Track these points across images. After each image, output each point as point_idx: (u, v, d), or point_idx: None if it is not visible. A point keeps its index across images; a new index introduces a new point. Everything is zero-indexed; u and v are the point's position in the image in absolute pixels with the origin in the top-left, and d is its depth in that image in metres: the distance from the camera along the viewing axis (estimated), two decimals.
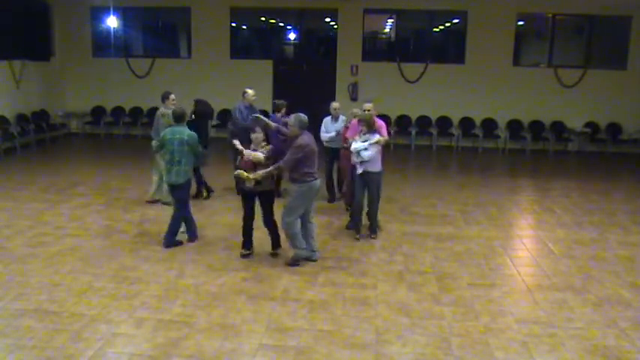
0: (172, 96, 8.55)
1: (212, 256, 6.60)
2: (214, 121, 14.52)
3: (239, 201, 8.85)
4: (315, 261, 6.45)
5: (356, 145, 7.02)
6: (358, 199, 7.28)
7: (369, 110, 7.48)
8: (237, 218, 7.82)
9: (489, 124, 14.47)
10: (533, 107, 14.37)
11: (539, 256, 6.95)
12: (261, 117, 7.32)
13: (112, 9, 14.10)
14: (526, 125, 14.45)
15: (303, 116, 6.23)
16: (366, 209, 7.43)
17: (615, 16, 14.01)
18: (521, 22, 14.56)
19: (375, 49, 15.68)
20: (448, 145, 14.65)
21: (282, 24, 16.23)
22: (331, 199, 9.00)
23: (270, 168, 6.18)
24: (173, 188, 6.86)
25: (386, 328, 4.97)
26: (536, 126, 14.41)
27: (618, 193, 10.46)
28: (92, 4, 14.82)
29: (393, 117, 14.26)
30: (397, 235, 7.49)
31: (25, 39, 13.09)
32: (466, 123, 14.51)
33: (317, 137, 6.57)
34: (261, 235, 6.77)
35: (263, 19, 15.67)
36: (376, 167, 7.17)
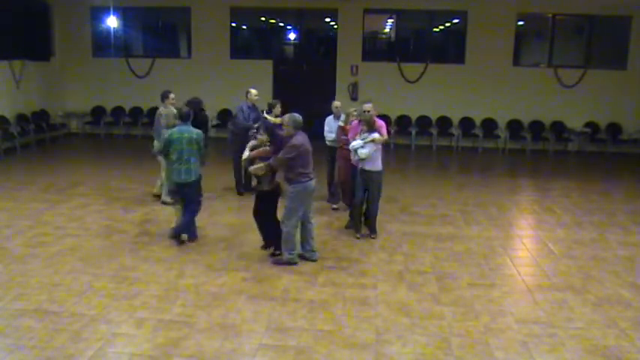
0: (172, 95, 8.54)
1: (212, 256, 6.60)
2: (214, 121, 14.54)
3: (239, 201, 8.97)
4: (315, 261, 6.45)
5: (354, 143, 7.04)
6: (358, 199, 7.29)
7: (368, 111, 7.48)
8: (237, 218, 7.85)
9: (489, 124, 14.46)
10: (533, 107, 14.37)
11: (539, 256, 6.95)
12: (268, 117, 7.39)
13: (112, 9, 14.09)
14: (526, 125, 14.45)
15: (298, 116, 6.23)
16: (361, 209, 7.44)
17: (615, 16, 14.01)
18: (521, 22, 14.55)
19: (375, 49, 15.68)
20: (448, 145, 14.65)
21: (282, 24, 16.23)
22: (331, 198, 9.01)
23: (262, 164, 6.26)
24: (183, 187, 6.85)
25: (386, 328, 4.97)
26: (536, 126, 14.40)
27: (618, 193, 10.46)
28: (92, 4, 14.81)
29: (393, 117, 14.26)
30: (397, 235, 7.49)
31: (25, 39, 13.09)
32: (466, 123, 14.50)
33: (312, 137, 6.55)
34: (260, 236, 6.77)
35: (263, 19, 15.67)
36: (377, 166, 7.17)
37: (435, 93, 14.52)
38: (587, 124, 14.24)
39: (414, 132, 14.48)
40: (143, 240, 7.07)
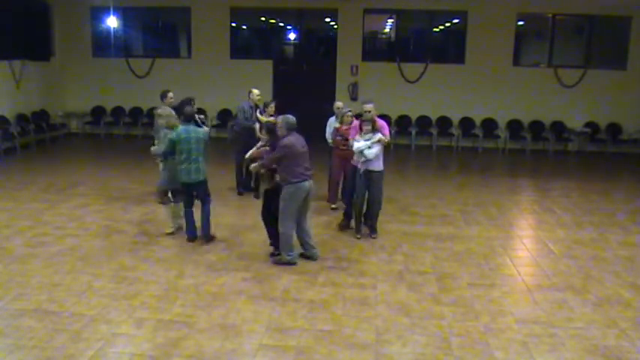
0: (170, 94, 8.57)
1: (212, 256, 6.60)
2: (214, 121, 14.54)
3: (239, 201, 8.97)
4: (316, 259, 6.46)
5: (359, 144, 7.02)
6: (358, 199, 7.29)
7: (369, 111, 7.48)
8: (237, 218, 7.84)
9: (489, 124, 14.47)
10: (533, 107, 14.37)
11: (539, 256, 6.95)
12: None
13: (112, 9, 14.09)
14: (526, 125, 14.45)
15: (291, 117, 6.29)
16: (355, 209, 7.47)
17: (615, 16, 14.01)
18: (521, 22, 14.55)
19: (375, 49, 15.67)
20: (448, 145, 14.65)
21: (282, 24, 16.23)
22: (332, 198, 9.01)
23: (255, 164, 6.39)
24: (193, 186, 6.90)
25: (386, 328, 4.97)
26: (536, 126, 14.41)
27: (618, 193, 10.46)
28: (92, 4, 14.81)
29: (393, 117, 14.26)
30: (397, 235, 7.49)
31: (25, 39, 13.09)
32: (466, 123, 14.51)
33: (313, 138, 6.59)
34: (260, 236, 6.77)
35: (263, 19, 15.67)
36: (379, 167, 7.18)
37: (435, 93, 14.52)
38: (587, 124, 14.25)
39: (414, 132, 14.48)
40: (143, 240, 7.07)
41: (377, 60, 14.92)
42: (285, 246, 6.31)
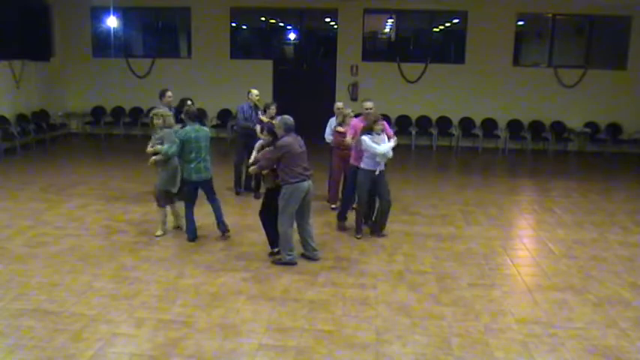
0: (169, 93, 8.60)
1: (212, 256, 6.60)
2: (214, 121, 14.55)
3: (239, 201, 8.97)
4: (316, 260, 6.46)
5: (386, 147, 6.99)
6: (364, 200, 7.28)
7: (368, 109, 7.50)
8: (237, 218, 7.84)
9: (489, 124, 14.46)
10: (533, 107, 14.37)
11: (539, 256, 6.95)
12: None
13: (112, 9, 14.08)
14: (526, 125, 14.44)
15: (289, 118, 6.31)
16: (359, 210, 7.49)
17: (615, 16, 14.01)
18: (521, 22, 14.55)
19: (375, 49, 15.67)
20: (448, 145, 14.65)
21: (282, 24, 16.24)
22: (333, 198, 9.03)
23: (254, 167, 6.43)
24: (202, 184, 6.97)
25: (386, 328, 4.97)
26: (536, 126, 14.40)
27: (618, 193, 10.47)
28: (92, 4, 14.81)
29: (393, 117, 14.26)
30: (397, 235, 7.49)
31: (25, 39, 13.09)
32: (466, 123, 14.51)
33: (309, 138, 6.60)
34: (261, 236, 6.77)
35: (263, 19, 15.67)
36: (383, 167, 7.22)
37: (435, 93, 14.52)
38: (587, 124, 14.24)
39: (414, 132, 14.48)
40: (143, 240, 7.07)
41: (377, 60, 14.91)
42: (285, 245, 6.32)
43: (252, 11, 15.25)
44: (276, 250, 6.54)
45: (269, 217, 6.53)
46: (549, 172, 12.30)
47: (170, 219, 7.40)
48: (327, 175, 8.91)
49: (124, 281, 5.82)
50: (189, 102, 8.38)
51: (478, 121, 14.51)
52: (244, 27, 16.10)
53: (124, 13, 15.11)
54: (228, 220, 7.50)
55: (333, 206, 8.58)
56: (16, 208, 8.31)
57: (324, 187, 8.89)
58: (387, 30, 15.81)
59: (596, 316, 5.30)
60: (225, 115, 14.68)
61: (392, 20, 15.34)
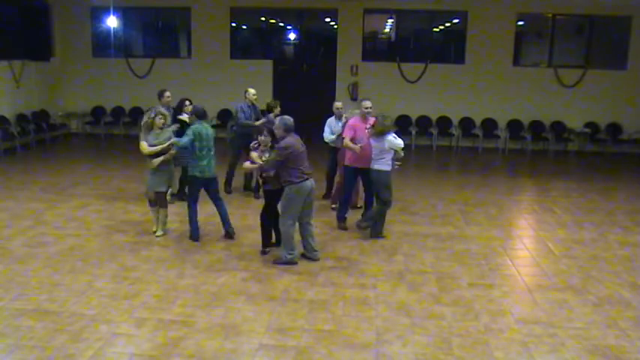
0: (167, 93, 8.66)
1: (212, 256, 6.60)
2: (214, 122, 14.54)
3: (239, 201, 8.96)
4: (316, 260, 6.46)
5: (399, 140, 7.07)
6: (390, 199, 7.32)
7: (367, 108, 7.48)
8: (237, 218, 7.83)
9: (489, 124, 14.46)
10: (533, 107, 14.36)
11: (539, 256, 6.95)
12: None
13: (112, 9, 14.08)
14: (526, 125, 14.44)
15: (288, 118, 6.31)
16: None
17: (615, 16, 14.01)
18: (521, 22, 14.55)
19: (375, 49, 15.67)
20: (448, 145, 14.65)
21: (282, 24, 16.23)
22: (327, 194, 9.06)
23: (255, 165, 6.42)
24: (211, 181, 7.05)
25: (386, 328, 4.97)
26: (536, 126, 14.40)
27: (618, 193, 10.46)
28: (92, 4, 14.80)
29: (393, 117, 14.24)
30: (397, 235, 7.49)
31: (25, 39, 13.09)
32: (466, 123, 14.50)
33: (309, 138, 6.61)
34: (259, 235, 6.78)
35: (263, 19, 15.67)
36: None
37: (435, 93, 14.51)
38: (587, 124, 14.24)
39: (414, 132, 14.48)
40: (143, 240, 7.07)
41: (377, 60, 14.91)
42: (286, 245, 6.32)
43: (252, 11, 15.25)
44: (268, 250, 6.57)
45: (269, 218, 6.54)
46: (549, 172, 12.30)
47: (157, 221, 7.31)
48: (327, 171, 8.93)
49: (124, 281, 5.82)
50: (187, 102, 8.40)
51: (478, 121, 14.51)
52: (244, 27, 16.09)
53: (124, 13, 15.10)
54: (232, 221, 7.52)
55: (334, 206, 8.58)
56: (16, 208, 8.31)
57: (322, 187, 8.90)
58: (387, 30, 15.81)
59: (596, 316, 5.30)
60: (225, 115, 14.67)
61: (392, 20, 15.34)
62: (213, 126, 13.98)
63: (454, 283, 5.99)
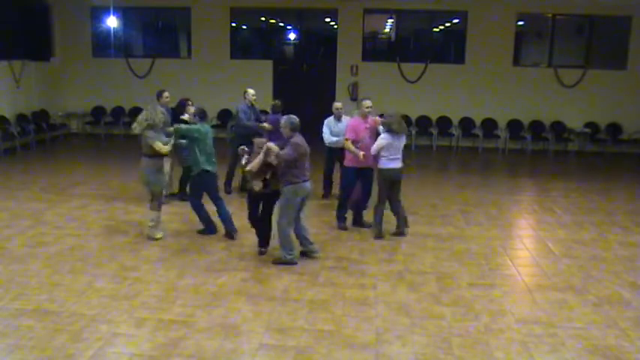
0: (166, 94, 8.69)
1: (212, 256, 6.60)
2: (214, 122, 14.53)
3: (239, 201, 8.95)
4: (314, 253, 6.51)
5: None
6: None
7: (368, 107, 7.49)
8: (237, 218, 7.83)
9: (489, 124, 14.46)
10: (533, 107, 14.37)
11: (539, 256, 6.94)
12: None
13: (112, 9, 14.09)
14: (526, 125, 14.45)
15: (295, 118, 6.30)
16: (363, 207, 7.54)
17: (615, 16, 14.02)
18: (521, 22, 14.56)
19: (375, 49, 15.68)
20: (448, 145, 14.65)
21: (282, 24, 16.23)
22: (325, 194, 9.07)
23: (261, 155, 6.24)
24: (213, 177, 7.16)
25: (386, 328, 4.97)
26: (536, 126, 14.41)
27: (618, 193, 10.46)
28: (92, 4, 14.81)
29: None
30: (397, 235, 7.48)
31: (25, 39, 13.09)
32: (466, 123, 14.51)
33: (309, 138, 6.60)
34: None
35: (263, 19, 15.68)
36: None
37: (435, 93, 14.52)
38: (587, 124, 14.25)
39: (414, 132, 14.47)
40: (143, 240, 7.06)
41: (377, 60, 14.92)
42: (285, 245, 6.31)
43: (252, 11, 15.26)
44: (264, 249, 6.58)
45: (263, 218, 6.50)
46: (549, 172, 12.30)
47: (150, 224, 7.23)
48: (325, 171, 8.94)
49: (124, 281, 5.82)
50: (189, 102, 8.40)
51: (478, 121, 14.51)
52: (244, 27, 16.10)
53: (124, 13, 15.11)
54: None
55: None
56: (16, 208, 8.31)
57: (320, 187, 8.91)
58: (387, 30, 15.82)
59: (596, 316, 5.30)
60: (225, 115, 14.68)
61: (392, 20, 15.34)
62: (213, 126, 14.17)
63: (454, 283, 5.99)
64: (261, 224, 6.57)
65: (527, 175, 12.21)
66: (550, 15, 14.43)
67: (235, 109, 9.35)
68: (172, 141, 7.13)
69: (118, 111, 15.21)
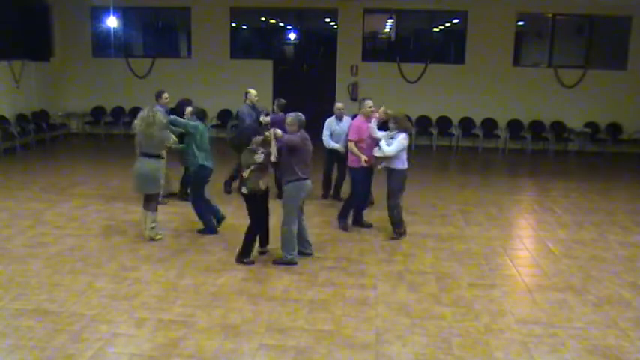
0: (165, 94, 8.70)
1: (212, 256, 6.60)
2: (214, 121, 14.53)
3: (239, 201, 8.92)
4: (311, 254, 6.53)
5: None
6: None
7: (370, 107, 7.49)
8: (237, 218, 7.84)
9: (489, 124, 14.46)
10: (533, 107, 14.37)
11: (539, 256, 6.95)
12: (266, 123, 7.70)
13: (112, 9, 14.09)
14: (526, 125, 14.45)
15: (302, 115, 6.34)
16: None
17: (615, 16, 14.02)
18: (521, 22, 14.56)
19: (375, 49, 15.67)
20: (448, 145, 14.65)
21: (282, 24, 16.23)
22: (325, 194, 9.07)
23: (273, 142, 6.30)
24: (210, 172, 7.27)
25: (386, 328, 4.97)
26: (536, 126, 14.41)
27: (618, 193, 10.47)
28: (92, 4, 14.81)
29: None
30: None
31: (25, 39, 13.09)
32: (466, 123, 14.51)
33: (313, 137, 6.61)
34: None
35: (263, 19, 15.68)
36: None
37: (435, 93, 14.52)
38: (587, 124, 14.24)
39: (414, 132, 14.44)
40: (143, 240, 7.06)
41: (377, 60, 14.91)
42: (288, 244, 6.31)
43: (252, 11, 15.26)
44: (265, 248, 6.59)
45: (258, 220, 6.48)
46: (549, 172, 12.30)
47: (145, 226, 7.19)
48: (324, 172, 8.94)
49: (124, 281, 5.82)
50: (189, 108, 8.39)
51: (478, 121, 14.51)
52: (244, 27, 16.10)
53: (124, 13, 15.11)
54: (228, 220, 7.52)
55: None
56: (16, 208, 8.31)
57: (319, 187, 8.92)
58: (387, 30, 15.81)
59: (596, 316, 5.30)
60: (225, 115, 14.68)
61: (392, 20, 15.34)
62: (213, 126, 14.18)
63: (454, 283, 5.99)
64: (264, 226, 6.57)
65: (527, 175, 12.21)
66: (550, 15, 14.42)
67: (240, 115, 9.13)
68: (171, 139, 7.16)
69: (117, 111, 15.21)
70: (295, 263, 6.32)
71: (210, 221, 7.28)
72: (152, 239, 6.99)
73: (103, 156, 13.17)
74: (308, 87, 14.65)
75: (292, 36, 16.24)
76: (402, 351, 4.61)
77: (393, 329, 4.96)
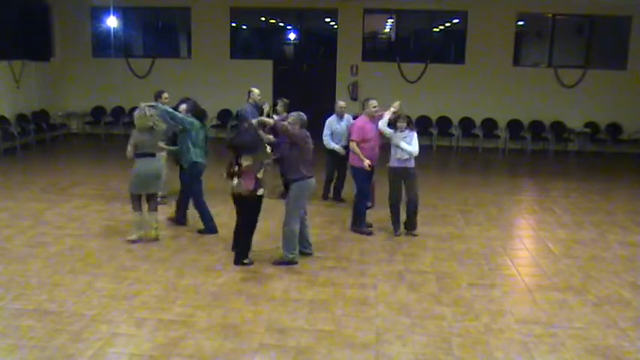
0: (165, 94, 8.69)
1: (212, 256, 6.60)
2: (214, 121, 14.53)
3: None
4: (310, 255, 6.53)
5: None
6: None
7: (375, 107, 7.49)
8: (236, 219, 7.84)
9: (489, 124, 14.47)
10: (533, 107, 14.38)
11: (539, 256, 6.94)
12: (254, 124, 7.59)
13: (112, 9, 14.09)
14: (526, 125, 14.45)
15: (304, 115, 6.37)
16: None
17: (615, 16, 14.02)
18: (521, 22, 14.56)
19: (375, 49, 15.68)
20: (448, 145, 14.65)
21: (282, 24, 16.24)
22: (325, 194, 9.08)
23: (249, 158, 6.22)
24: (203, 167, 7.30)
25: (386, 328, 4.97)
26: (536, 126, 14.41)
27: (618, 193, 10.46)
28: (92, 4, 14.82)
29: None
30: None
31: (25, 39, 13.09)
32: (466, 123, 14.51)
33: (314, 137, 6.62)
34: (260, 236, 6.76)
35: (263, 19, 15.69)
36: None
37: (435, 93, 14.52)
38: (587, 124, 14.25)
39: None
40: (143, 240, 7.05)
41: (377, 60, 14.92)
42: (289, 244, 6.31)
43: (252, 11, 15.26)
44: (247, 261, 6.33)
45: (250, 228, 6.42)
46: (549, 172, 12.30)
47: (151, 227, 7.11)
48: (326, 173, 8.93)
49: (123, 281, 5.82)
50: (183, 105, 8.38)
51: (478, 121, 14.52)
52: (244, 27, 16.11)
53: (124, 13, 15.12)
54: (228, 220, 7.52)
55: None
56: (16, 208, 8.31)
57: (319, 188, 8.91)
58: (387, 30, 15.82)
59: (596, 316, 5.30)
60: (225, 115, 14.68)
61: (392, 20, 15.35)
62: (213, 126, 14.18)
63: (454, 283, 5.99)
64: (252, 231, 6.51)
65: (527, 175, 12.21)
66: (550, 15, 14.43)
67: (244, 115, 9.10)
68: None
69: (117, 111, 15.21)
70: (296, 263, 6.32)
71: (210, 221, 7.27)
72: (154, 239, 6.98)
73: (103, 156, 13.17)
74: (308, 87, 14.66)
75: (292, 36, 16.25)
76: (402, 351, 4.61)
77: (393, 329, 4.96)
